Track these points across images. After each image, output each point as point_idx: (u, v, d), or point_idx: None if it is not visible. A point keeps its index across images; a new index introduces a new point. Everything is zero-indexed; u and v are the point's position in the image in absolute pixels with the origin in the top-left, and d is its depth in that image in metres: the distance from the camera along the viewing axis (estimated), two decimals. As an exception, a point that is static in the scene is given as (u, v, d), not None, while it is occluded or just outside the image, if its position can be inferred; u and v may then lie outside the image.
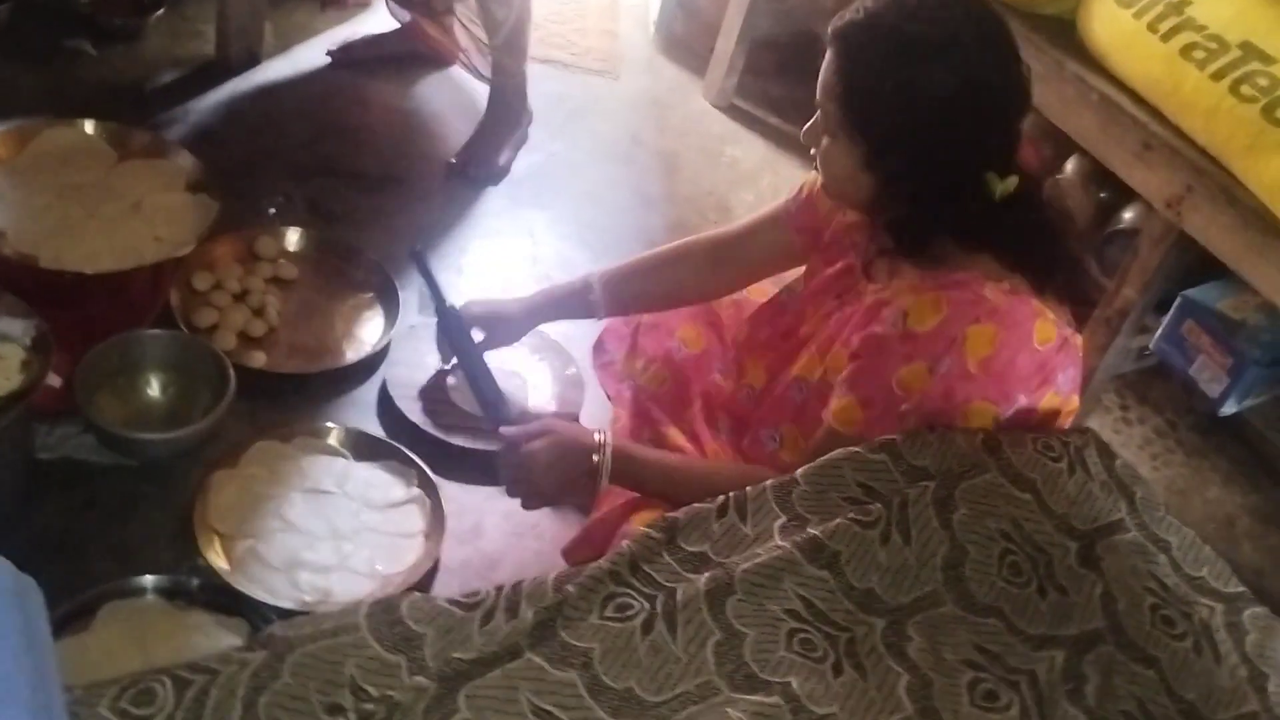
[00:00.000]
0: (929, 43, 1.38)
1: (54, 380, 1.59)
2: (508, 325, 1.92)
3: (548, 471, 1.62)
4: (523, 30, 2.50)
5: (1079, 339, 1.51)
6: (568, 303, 1.90)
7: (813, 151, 1.53)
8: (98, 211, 1.85)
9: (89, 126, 1.97)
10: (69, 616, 1.51)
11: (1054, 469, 1.43)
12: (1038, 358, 1.43)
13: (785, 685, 1.16)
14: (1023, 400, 1.45)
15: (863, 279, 1.57)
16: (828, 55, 1.45)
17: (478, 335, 1.90)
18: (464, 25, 2.75)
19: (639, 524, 1.59)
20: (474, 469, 1.89)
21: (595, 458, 1.60)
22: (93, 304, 1.79)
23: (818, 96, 1.48)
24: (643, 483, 1.64)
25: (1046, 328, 1.44)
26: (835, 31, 1.44)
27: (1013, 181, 1.44)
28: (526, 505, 1.68)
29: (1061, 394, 1.49)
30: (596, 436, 1.63)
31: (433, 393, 2.00)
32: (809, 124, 1.52)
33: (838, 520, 1.32)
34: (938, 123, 1.40)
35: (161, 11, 2.71)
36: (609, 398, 2.06)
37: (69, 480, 1.73)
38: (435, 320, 1.92)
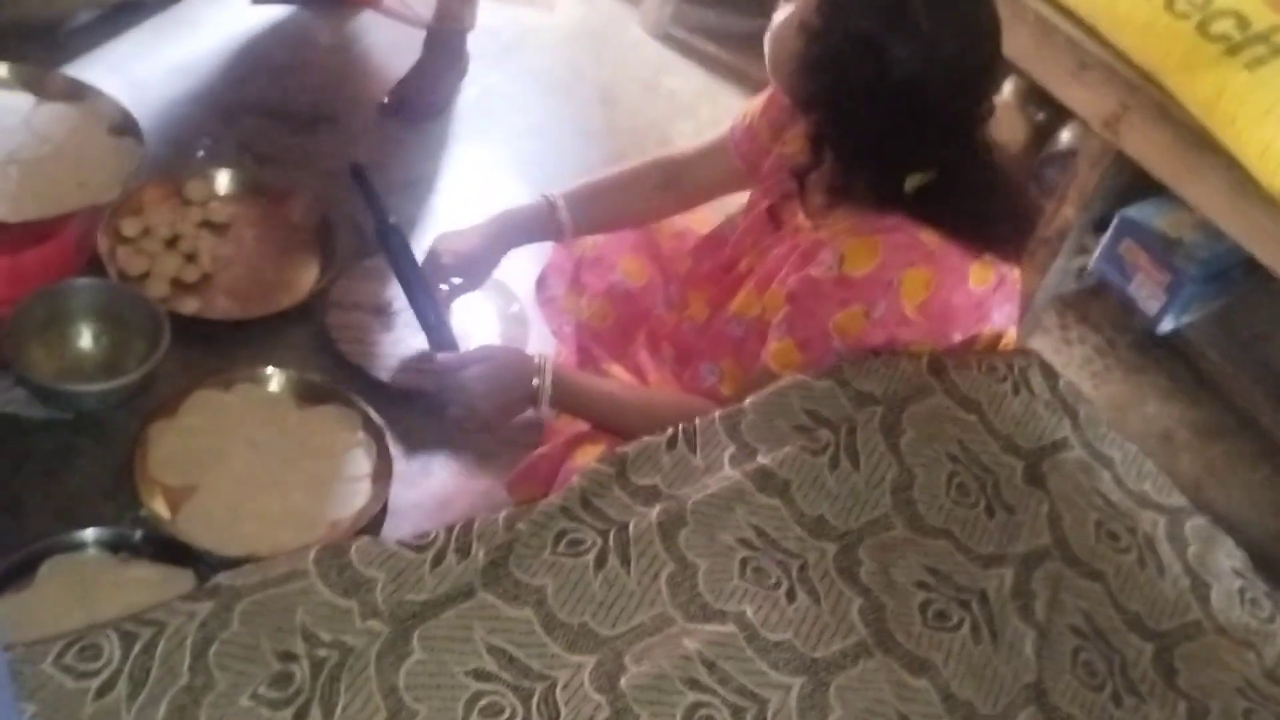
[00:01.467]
0: (915, 25, 1.35)
1: (-18, 335, 1.54)
2: (478, 264, 1.85)
3: (488, 394, 1.62)
4: None
5: (1017, 274, 1.52)
6: (532, 226, 1.85)
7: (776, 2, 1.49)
8: (17, 158, 1.78)
9: (2, 70, 1.89)
10: (9, 574, 1.48)
11: (998, 390, 1.45)
12: (973, 299, 1.45)
13: (740, 614, 1.16)
14: (958, 337, 1.46)
15: (800, 213, 1.56)
16: None
17: (445, 279, 1.84)
18: None
19: (584, 458, 1.59)
20: (418, 409, 1.87)
21: (535, 381, 1.60)
22: (17, 253, 1.74)
23: None
24: (584, 408, 1.64)
25: (983, 269, 1.45)
26: None
27: (924, 177, 1.43)
28: (467, 426, 1.70)
29: (997, 328, 1.49)
30: (536, 360, 1.62)
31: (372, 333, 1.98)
32: None
33: (787, 448, 1.32)
34: (868, 91, 1.38)
35: (75, -51, 2.61)
36: (553, 334, 2.04)
37: (2, 436, 1.68)
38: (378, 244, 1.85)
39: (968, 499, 1.34)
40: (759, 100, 1.76)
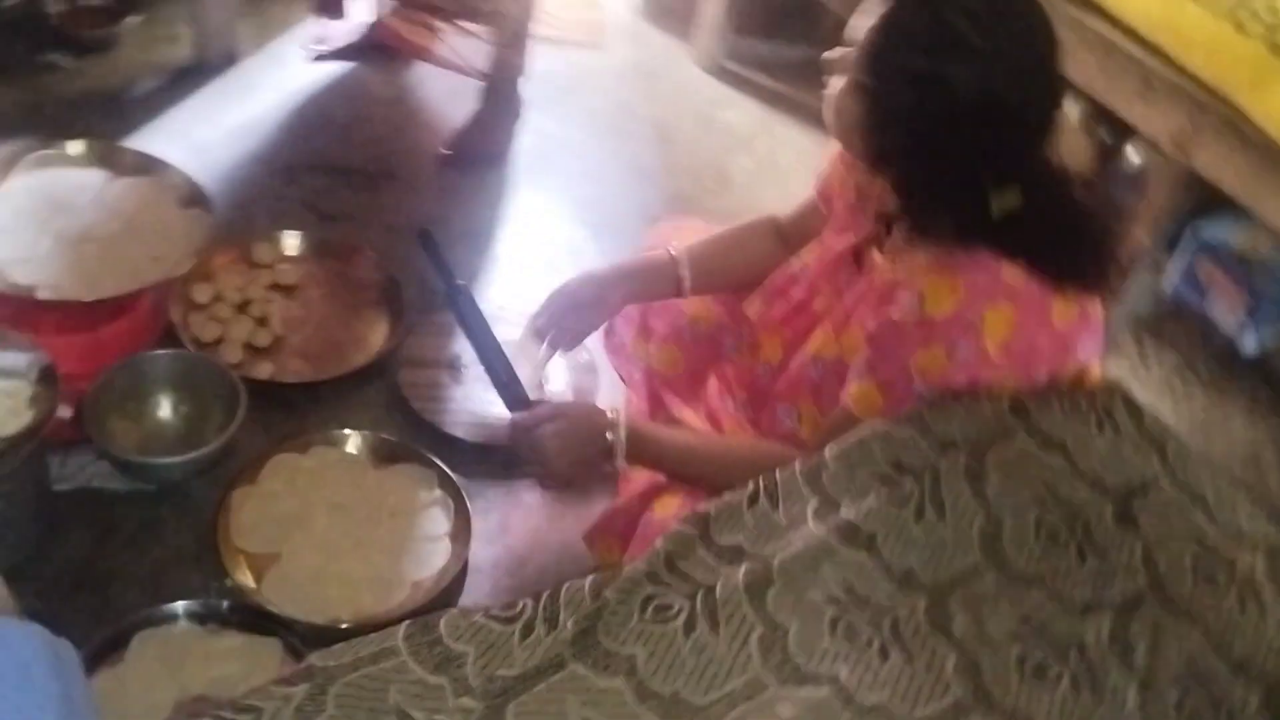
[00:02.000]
0: (964, 44, 1.33)
1: (64, 411, 1.57)
2: (597, 315, 1.81)
3: (562, 452, 1.60)
4: (528, 24, 2.45)
5: (1099, 307, 1.49)
6: (652, 281, 1.82)
7: (825, 79, 1.49)
8: (92, 235, 1.82)
9: (76, 147, 1.93)
10: (101, 649, 1.50)
11: (1083, 429, 1.41)
12: (1058, 336, 1.41)
13: (834, 676, 1.14)
14: (1044, 376, 1.43)
15: (873, 254, 1.55)
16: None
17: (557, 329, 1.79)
18: (454, 24, 2.70)
19: (662, 510, 1.59)
20: (494, 465, 1.88)
21: (609, 436, 1.59)
22: (96, 329, 1.77)
23: (845, 35, 1.43)
24: (659, 460, 1.62)
25: (1066, 305, 1.41)
26: None
27: (1011, 199, 1.39)
28: (544, 486, 1.71)
29: (1080, 363, 1.46)
30: (609, 415, 1.61)
31: (445, 390, 1.99)
32: (835, 51, 1.47)
33: (870, 500, 1.30)
34: (941, 119, 1.36)
35: (135, 18, 2.67)
36: (623, 381, 2.04)
37: (88, 510, 1.71)
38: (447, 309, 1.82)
39: (1058, 544, 1.31)
40: (831, 151, 1.75)
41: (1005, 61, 1.34)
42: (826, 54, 1.48)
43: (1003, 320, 1.38)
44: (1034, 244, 1.41)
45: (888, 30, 1.39)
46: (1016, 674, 1.18)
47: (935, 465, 1.34)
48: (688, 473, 1.60)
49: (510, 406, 1.71)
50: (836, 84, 1.47)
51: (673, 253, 1.83)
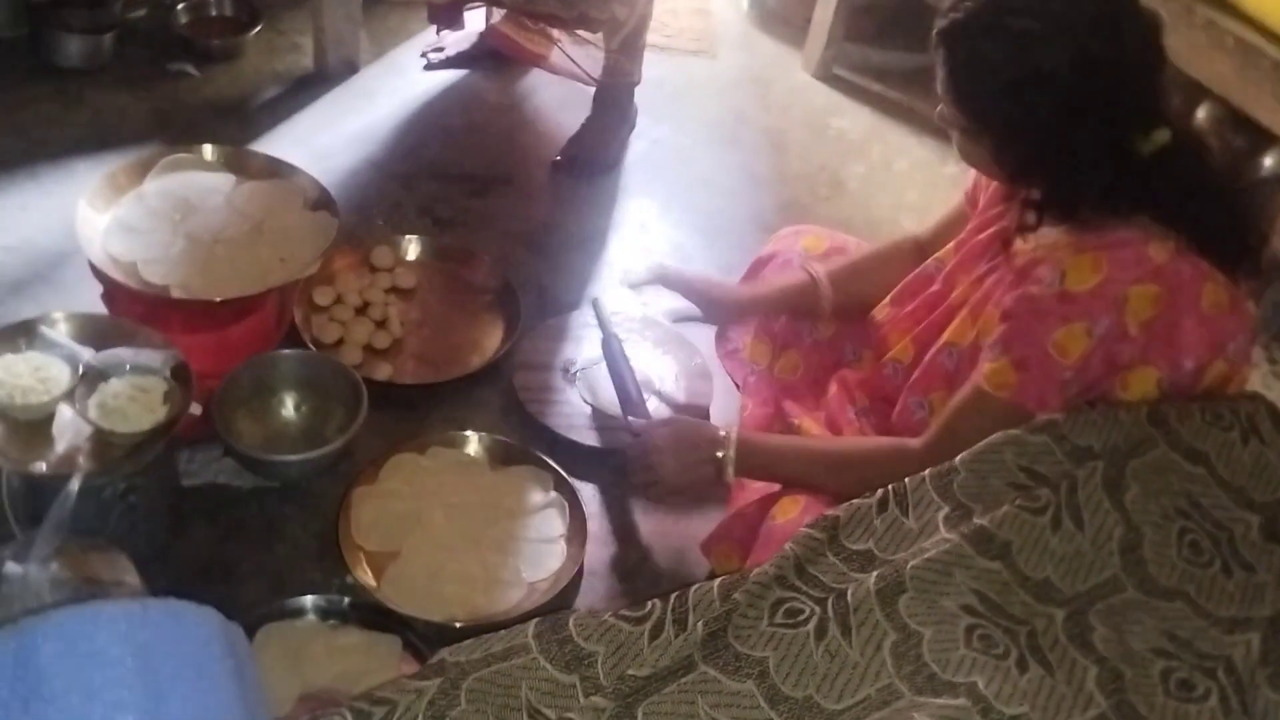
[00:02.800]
0: (1031, 33, 1.34)
1: (195, 409, 1.60)
2: (719, 307, 1.93)
3: (672, 461, 1.63)
4: (642, 30, 2.46)
5: (1250, 305, 1.43)
6: (795, 299, 1.87)
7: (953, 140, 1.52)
8: (222, 237, 1.86)
9: (207, 152, 1.98)
10: (228, 642, 1.53)
11: (1226, 439, 1.37)
12: (1206, 322, 1.36)
13: (971, 686, 1.11)
14: (1189, 365, 1.38)
15: (1016, 239, 1.51)
16: (938, 56, 1.43)
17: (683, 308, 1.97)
18: (568, 32, 2.71)
19: (782, 516, 1.57)
20: (608, 469, 1.88)
21: (719, 453, 1.60)
22: (224, 329, 1.80)
23: (938, 92, 1.46)
24: (773, 471, 1.62)
25: (1216, 291, 1.37)
26: (939, 34, 1.42)
27: (1163, 135, 1.38)
28: (650, 495, 1.76)
29: (1231, 363, 1.41)
30: (722, 433, 1.62)
31: (559, 393, 1.99)
32: (940, 108, 1.49)
33: (1004, 508, 1.27)
34: (1057, 108, 1.36)
35: (258, 28, 2.73)
36: (736, 386, 2.03)
37: (213, 506, 1.75)
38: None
39: (1202, 557, 1.26)
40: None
41: (1074, 25, 1.33)
42: (939, 109, 1.49)
43: (1148, 298, 1.35)
44: (1182, 204, 1.38)
45: (955, 74, 1.41)
46: (1162, 689, 1.14)
47: (1072, 474, 1.30)
48: (803, 479, 1.58)
49: (631, 429, 1.79)
50: (955, 137, 1.49)
51: (815, 275, 1.84)
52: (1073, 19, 1.34)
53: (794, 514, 1.57)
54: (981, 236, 1.58)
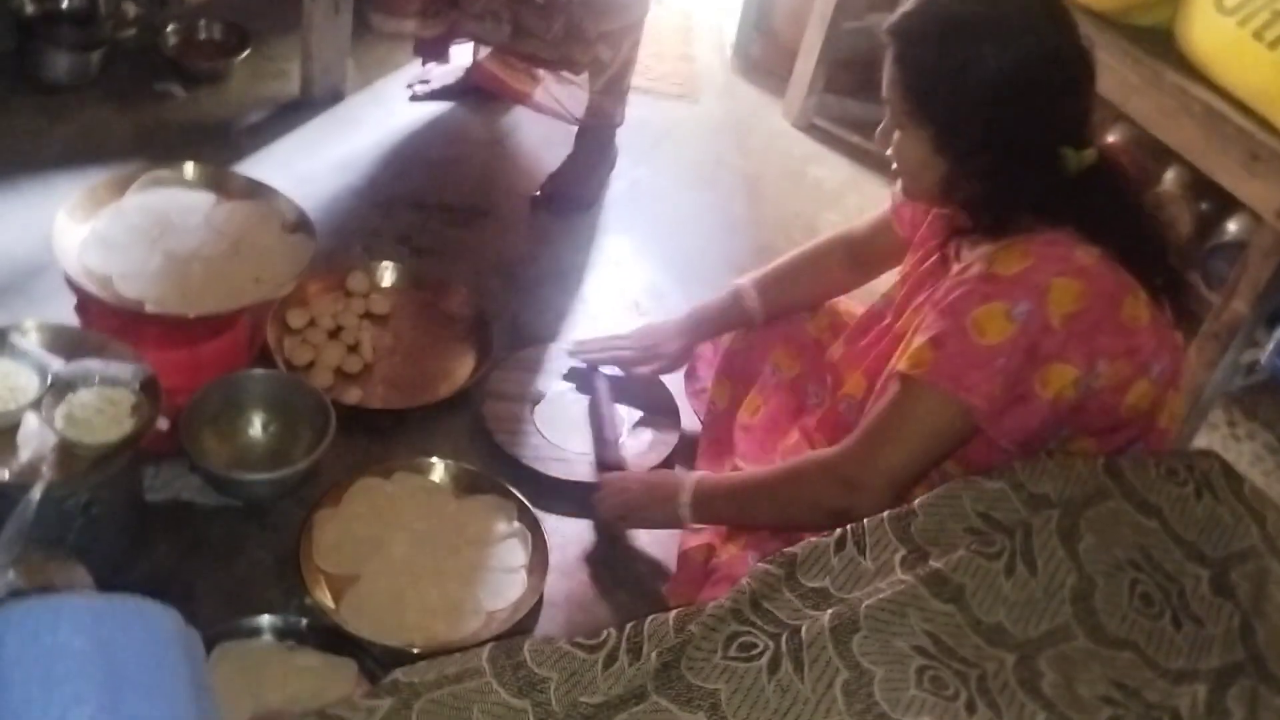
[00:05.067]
0: (981, 21, 1.40)
1: (162, 423, 1.60)
2: (676, 359, 2.02)
3: (639, 499, 1.72)
4: (626, 73, 2.50)
5: (1175, 333, 1.47)
6: (724, 317, 1.95)
7: (888, 152, 1.54)
8: (199, 254, 1.86)
9: (188, 170, 1.99)
10: (182, 659, 1.52)
11: (1180, 494, 1.39)
12: (1124, 333, 1.40)
13: (919, 726, 1.12)
14: (1104, 369, 1.40)
15: (952, 261, 1.54)
16: (888, 51, 1.48)
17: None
18: (553, 72, 2.75)
19: (725, 554, 1.65)
20: (571, 501, 1.89)
21: (681, 498, 1.65)
22: (196, 346, 1.81)
23: (883, 90, 1.50)
24: (723, 514, 1.67)
25: (1136, 305, 1.41)
26: (891, 27, 1.47)
27: (1091, 154, 1.45)
28: (615, 528, 1.85)
29: (1157, 385, 1.44)
30: (685, 480, 1.68)
31: (527, 424, 2.01)
32: (880, 126, 1.54)
33: (960, 552, 1.28)
34: (998, 98, 1.41)
35: (246, 53, 2.76)
36: (702, 424, 2.04)
37: (176, 521, 1.75)
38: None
39: (1152, 609, 1.28)
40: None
41: (1022, 23, 1.40)
42: (879, 128, 1.55)
43: (1071, 293, 1.38)
44: (1106, 220, 1.43)
45: (903, 61, 1.45)
46: (1107, 738, 1.15)
47: (1027, 521, 1.32)
48: (748, 518, 1.64)
49: (601, 465, 1.91)
50: (895, 141, 1.52)
51: (737, 285, 1.92)
52: (1021, 15, 1.41)
53: (735, 550, 1.62)
54: (924, 266, 1.62)
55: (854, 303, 1.91)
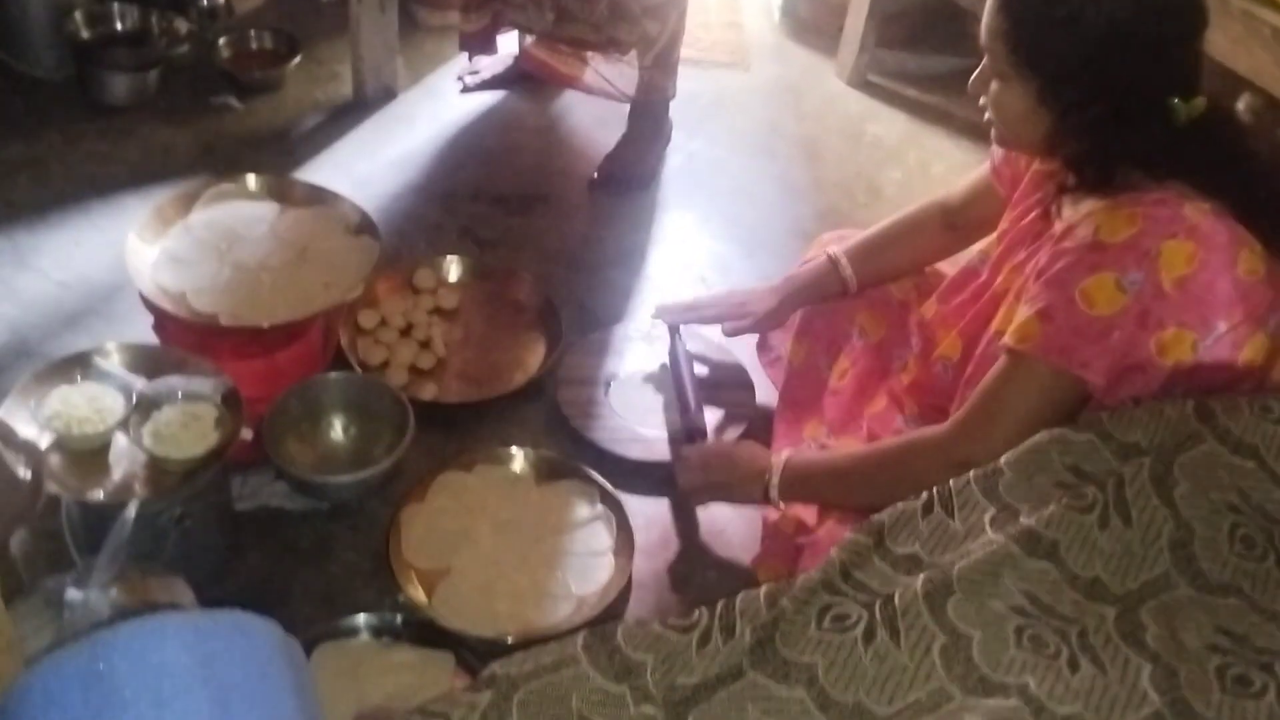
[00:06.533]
0: None
1: (246, 433, 1.63)
2: (754, 314, 1.96)
3: (723, 475, 1.71)
4: (675, 46, 2.48)
5: None
6: (819, 285, 1.91)
7: (982, 101, 1.50)
8: (267, 264, 1.89)
9: (251, 181, 2.02)
10: (285, 662, 1.55)
11: (1276, 432, 1.34)
12: (1241, 287, 1.35)
13: (1022, 686, 1.10)
14: (1222, 327, 1.36)
15: (1055, 217, 1.50)
16: (989, 1, 1.43)
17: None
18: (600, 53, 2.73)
19: (820, 527, 1.61)
20: (652, 481, 1.89)
21: (767, 477, 1.64)
22: (272, 354, 1.83)
23: (982, 39, 1.45)
24: (813, 495, 1.64)
25: (1252, 258, 1.36)
26: None
27: (1200, 103, 1.39)
28: (696, 499, 1.83)
29: (1274, 338, 1.39)
30: (772, 457, 1.67)
31: (602, 407, 2.01)
32: (976, 73, 1.49)
33: (1051, 507, 1.26)
34: (1111, 48, 1.36)
35: (298, 59, 2.78)
36: (780, 389, 2.02)
37: (266, 528, 1.77)
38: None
39: (1254, 552, 1.25)
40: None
41: None
42: (972, 77, 1.50)
43: (1183, 255, 1.33)
44: (1218, 173, 1.38)
45: (1009, 10, 1.40)
46: (1218, 685, 1.12)
47: (1118, 472, 1.29)
48: (841, 499, 1.60)
49: (687, 436, 1.89)
50: (993, 91, 1.47)
51: (831, 254, 1.88)
52: None
53: (830, 523, 1.58)
54: (1024, 222, 1.57)
55: (948, 265, 1.88)
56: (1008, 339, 1.42)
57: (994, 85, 1.46)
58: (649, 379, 2.07)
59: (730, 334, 2.01)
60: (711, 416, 1.98)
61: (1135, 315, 1.34)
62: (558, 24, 2.49)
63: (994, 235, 1.67)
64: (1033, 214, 1.55)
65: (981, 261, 1.66)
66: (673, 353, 2.04)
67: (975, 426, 1.43)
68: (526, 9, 2.51)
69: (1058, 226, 1.47)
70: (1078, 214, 1.43)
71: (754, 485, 1.66)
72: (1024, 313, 1.40)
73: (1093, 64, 1.37)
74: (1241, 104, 2.20)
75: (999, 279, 1.57)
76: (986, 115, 1.50)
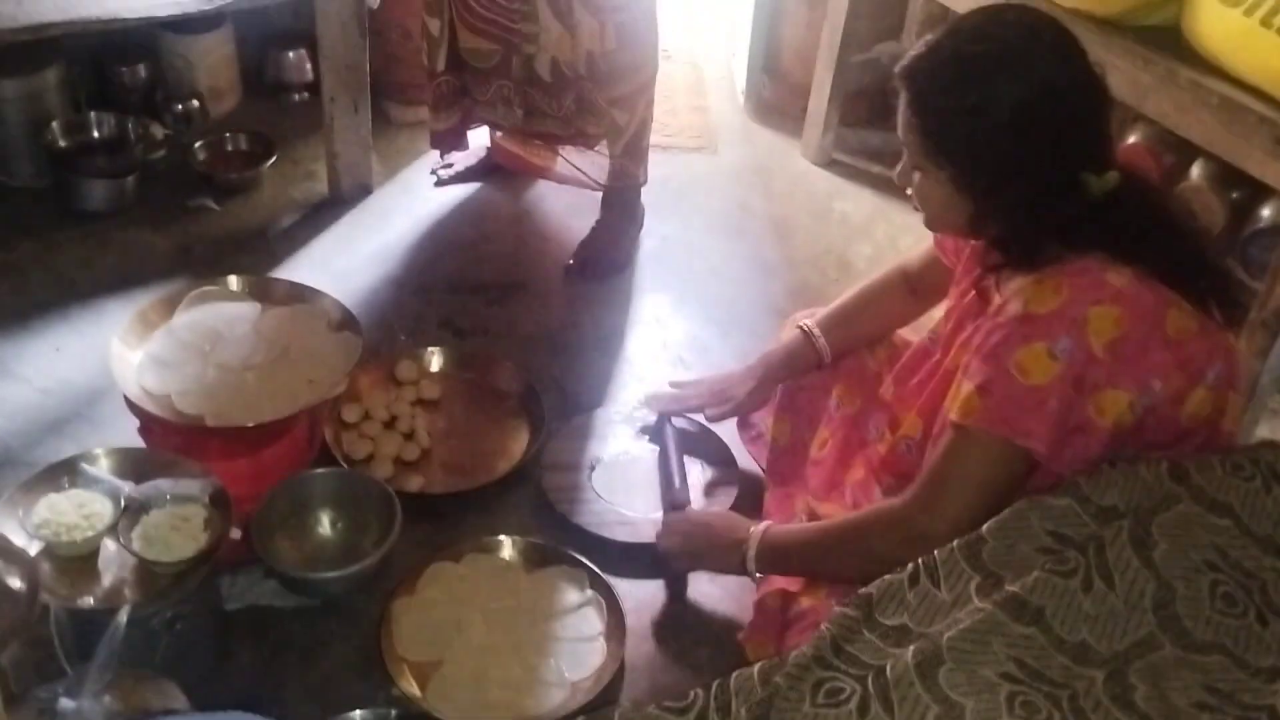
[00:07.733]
0: (991, 59, 1.41)
1: (234, 533, 1.63)
2: (739, 399, 2.00)
3: (703, 543, 1.76)
4: (644, 133, 2.54)
5: (1225, 335, 1.47)
6: (795, 359, 1.96)
7: (909, 191, 1.55)
8: (251, 363, 1.91)
9: (232, 282, 2.04)
10: (280, 763, 1.54)
11: (1249, 489, 1.38)
12: (1173, 347, 1.40)
13: (1016, 753, 1.12)
14: (1157, 386, 1.40)
15: (991, 293, 1.55)
16: (901, 96, 1.49)
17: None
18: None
19: (806, 600, 1.64)
20: (640, 564, 1.90)
21: (744, 549, 1.68)
22: (258, 452, 1.84)
23: (900, 135, 1.51)
24: (788, 566, 1.68)
25: (1181, 317, 1.41)
26: (902, 71, 1.49)
27: (1112, 176, 1.44)
28: (676, 567, 1.85)
29: (1215, 390, 1.43)
30: (750, 528, 1.70)
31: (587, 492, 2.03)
32: (899, 165, 1.56)
33: (1035, 573, 1.28)
34: (1015, 133, 1.41)
35: (273, 160, 2.82)
36: (763, 471, 2.05)
37: (258, 627, 1.77)
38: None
39: (1235, 609, 1.27)
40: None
41: (1031, 55, 1.41)
42: (897, 169, 1.56)
43: (1110, 319, 1.38)
44: (1136, 240, 1.42)
45: (917, 104, 1.46)
46: (1208, 744, 1.14)
47: (1099, 535, 1.32)
48: (814, 571, 1.65)
49: (671, 508, 1.93)
50: (915, 182, 1.53)
51: (804, 326, 1.94)
52: (1030, 50, 1.41)
53: (819, 598, 1.61)
54: (965, 300, 1.62)
55: (912, 333, 1.92)
56: (952, 414, 1.46)
57: (916, 176, 1.52)
58: (631, 461, 2.09)
59: (714, 420, 2.04)
60: (697, 494, 2.01)
61: (1070, 380, 1.38)
62: (527, 120, 2.55)
63: (944, 313, 1.72)
64: (972, 293, 1.60)
65: (933, 341, 1.71)
66: (659, 429, 2.10)
67: (929, 500, 1.46)
68: (495, 106, 2.57)
69: (995, 302, 1.51)
70: (1009, 290, 1.48)
71: (731, 555, 1.70)
72: (965, 388, 1.45)
73: (1001, 150, 1.43)
74: (1196, 170, 2.27)
75: (949, 356, 1.62)
76: (914, 205, 1.56)
